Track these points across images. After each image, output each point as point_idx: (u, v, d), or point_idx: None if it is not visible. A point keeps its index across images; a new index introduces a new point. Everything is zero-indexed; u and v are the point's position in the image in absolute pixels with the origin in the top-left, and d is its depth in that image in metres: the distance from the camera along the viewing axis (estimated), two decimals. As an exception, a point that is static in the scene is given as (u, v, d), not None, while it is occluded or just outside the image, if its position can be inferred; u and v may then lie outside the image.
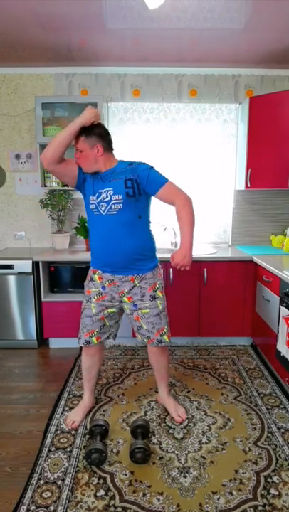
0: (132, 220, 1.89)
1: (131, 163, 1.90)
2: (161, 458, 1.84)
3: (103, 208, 1.87)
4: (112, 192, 1.85)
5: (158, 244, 3.37)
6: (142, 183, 1.85)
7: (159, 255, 3.04)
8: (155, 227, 3.40)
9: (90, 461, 1.77)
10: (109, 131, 3.36)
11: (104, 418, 2.13)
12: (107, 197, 1.86)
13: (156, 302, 2.00)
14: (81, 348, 2.14)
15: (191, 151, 3.38)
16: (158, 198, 1.90)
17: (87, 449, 1.80)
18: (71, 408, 2.24)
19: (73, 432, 2.04)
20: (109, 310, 2.03)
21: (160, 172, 1.91)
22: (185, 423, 2.11)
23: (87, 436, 2.00)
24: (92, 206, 1.90)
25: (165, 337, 2.03)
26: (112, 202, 1.85)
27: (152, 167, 1.90)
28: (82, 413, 2.14)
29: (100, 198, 1.87)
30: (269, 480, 1.70)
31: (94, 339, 2.03)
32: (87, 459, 1.78)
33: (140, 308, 1.99)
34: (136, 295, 1.98)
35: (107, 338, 2.09)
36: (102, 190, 1.87)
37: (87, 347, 2.08)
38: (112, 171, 1.89)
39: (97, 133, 1.85)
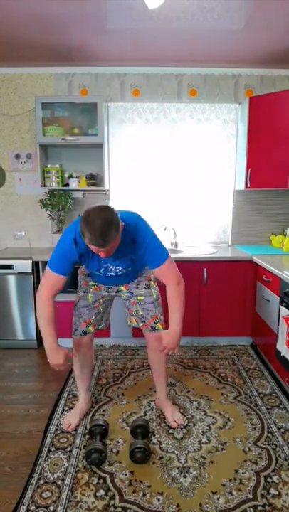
0: (136, 268, 1.98)
1: (133, 241, 1.75)
2: (161, 458, 1.84)
3: (109, 274, 1.92)
4: (120, 267, 1.88)
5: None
6: (143, 258, 1.84)
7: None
8: (155, 227, 3.42)
9: (90, 461, 1.78)
10: (109, 132, 3.38)
11: (104, 418, 2.13)
12: (115, 269, 1.89)
13: (151, 290, 2.06)
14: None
15: (191, 151, 3.38)
16: (153, 273, 1.92)
17: (86, 449, 1.80)
18: (71, 408, 2.24)
19: (73, 432, 2.04)
20: (105, 298, 2.11)
21: (159, 244, 1.82)
22: (185, 423, 2.11)
23: (87, 436, 2.00)
24: (94, 271, 1.93)
25: (159, 325, 2.06)
26: (121, 271, 1.91)
27: (152, 238, 1.80)
28: (78, 416, 2.13)
29: (106, 269, 1.88)
30: (269, 480, 1.70)
31: (90, 328, 2.08)
32: (87, 458, 1.78)
33: (136, 295, 2.06)
34: (132, 284, 2.06)
35: (100, 326, 2.13)
36: (109, 265, 1.86)
37: (79, 340, 2.08)
38: (117, 250, 1.71)
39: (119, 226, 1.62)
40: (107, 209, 1.56)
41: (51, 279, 1.77)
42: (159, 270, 1.82)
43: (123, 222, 1.64)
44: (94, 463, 1.78)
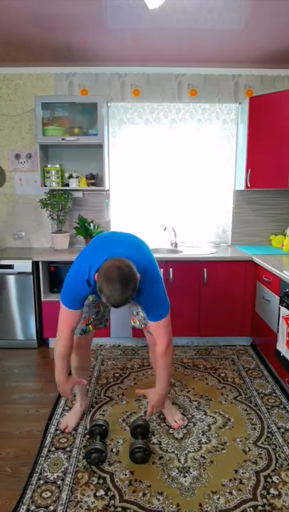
0: None
1: (139, 292, 1.70)
2: (161, 458, 1.84)
3: None
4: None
5: (158, 244, 3.42)
6: (145, 307, 1.81)
7: (159, 255, 3.06)
8: (155, 227, 3.43)
9: (90, 461, 1.78)
10: (109, 132, 3.38)
11: (104, 418, 2.13)
12: None
13: None
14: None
15: (191, 151, 3.38)
16: (149, 324, 1.86)
17: (86, 449, 1.80)
18: (71, 408, 2.24)
19: (73, 432, 2.04)
20: None
21: (164, 298, 1.80)
22: (185, 423, 2.11)
23: (87, 436, 2.00)
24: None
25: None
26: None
27: (159, 290, 1.76)
28: (75, 418, 2.12)
29: None
30: (269, 480, 1.70)
31: (90, 327, 2.06)
32: (87, 459, 1.78)
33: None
34: None
35: (100, 325, 2.12)
36: None
37: (78, 340, 2.04)
38: None
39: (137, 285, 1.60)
40: (127, 267, 1.51)
41: (69, 317, 1.77)
42: (156, 324, 1.79)
43: (140, 275, 1.59)
44: (94, 463, 1.78)
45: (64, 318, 1.79)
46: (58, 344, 1.81)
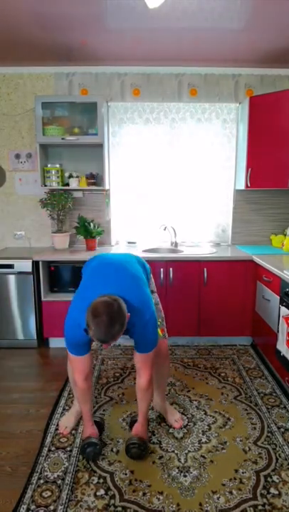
0: None
1: (128, 329, 1.66)
2: (161, 457, 1.84)
3: None
4: None
5: (158, 244, 3.42)
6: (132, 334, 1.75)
7: (159, 255, 3.06)
8: (155, 227, 3.43)
9: (86, 457, 1.78)
10: (109, 132, 3.37)
11: (104, 417, 2.13)
12: None
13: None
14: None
15: (191, 150, 3.38)
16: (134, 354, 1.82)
17: (81, 445, 1.80)
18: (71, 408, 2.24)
19: (73, 432, 2.04)
20: None
21: (156, 332, 1.77)
22: (185, 423, 2.11)
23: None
24: None
25: (158, 330, 2.00)
26: None
27: (152, 325, 1.73)
28: (74, 419, 2.11)
29: None
30: (269, 479, 1.70)
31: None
32: (82, 454, 1.79)
33: None
34: None
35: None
36: None
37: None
38: None
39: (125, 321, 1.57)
40: (116, 303, 1.51)
41: (78, 363, 1.78)
42: (142, 356, 1.77)
43: (129, 314, 1.58)
44: (90, 457, 1.78)
45: (74, 366, 1.80)
46: (77, 392, 1.83)
